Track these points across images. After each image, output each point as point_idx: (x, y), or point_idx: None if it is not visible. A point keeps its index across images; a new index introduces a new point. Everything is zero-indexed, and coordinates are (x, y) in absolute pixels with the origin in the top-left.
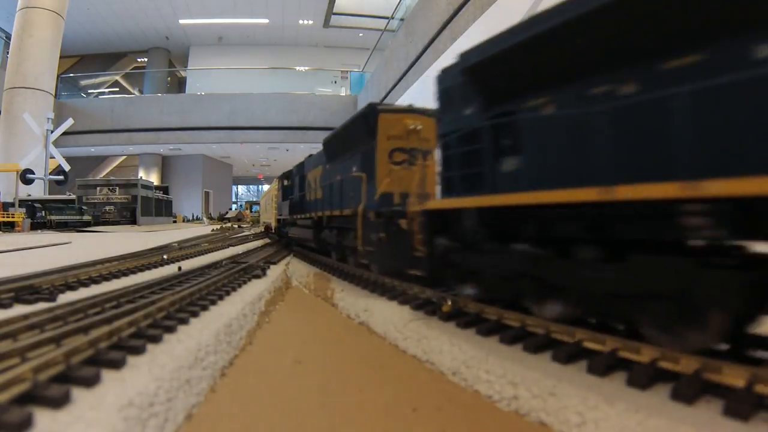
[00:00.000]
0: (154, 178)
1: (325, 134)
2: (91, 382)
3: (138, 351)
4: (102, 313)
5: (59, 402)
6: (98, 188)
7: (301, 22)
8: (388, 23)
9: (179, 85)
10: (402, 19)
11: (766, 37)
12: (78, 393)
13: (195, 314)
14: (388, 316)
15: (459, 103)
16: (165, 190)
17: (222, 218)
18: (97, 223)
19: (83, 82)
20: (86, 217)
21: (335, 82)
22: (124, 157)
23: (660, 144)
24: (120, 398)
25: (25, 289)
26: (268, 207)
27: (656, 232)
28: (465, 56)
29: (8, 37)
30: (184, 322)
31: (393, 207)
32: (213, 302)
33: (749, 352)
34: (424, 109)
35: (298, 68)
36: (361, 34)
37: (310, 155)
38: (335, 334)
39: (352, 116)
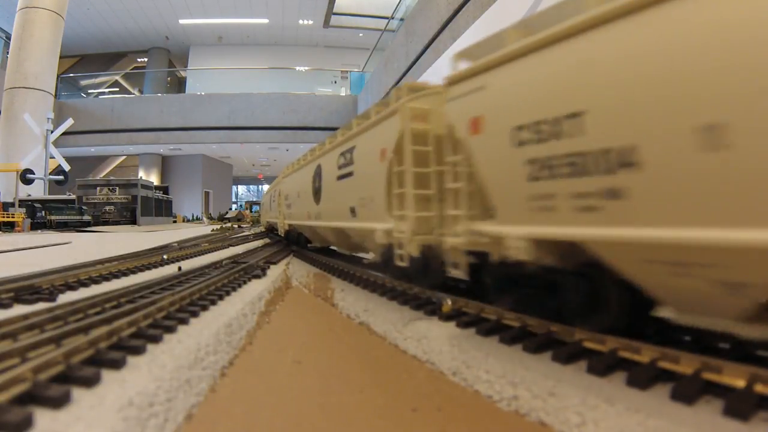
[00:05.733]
0: (154, 178)
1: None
2: (91, 382)
3: (138, 351)
4: (102, 313)
5: (59, 402)
6: (98, 188)
7: (301, 22)
8: (388, 23)
9: (179, 85)
10: (402, 19)
11: None
12: (78, 393)
13: (195, 314)
14: (388, 316)
15: None
16: (165, 190)
17: (222, 218)
18: (97, 223)
19: (83, 82)
20: (86, 217)
21: (335, 82)
22: (124, 157)
23: None
24: (120, 398)
25: (25, 289)
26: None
27: None
28: None
29: (8, 37)
30: (184, 322)
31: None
32: (213, 302)
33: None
34: None
35: (298, 68)
36: (361, 34)
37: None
38: (335, 334)
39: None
